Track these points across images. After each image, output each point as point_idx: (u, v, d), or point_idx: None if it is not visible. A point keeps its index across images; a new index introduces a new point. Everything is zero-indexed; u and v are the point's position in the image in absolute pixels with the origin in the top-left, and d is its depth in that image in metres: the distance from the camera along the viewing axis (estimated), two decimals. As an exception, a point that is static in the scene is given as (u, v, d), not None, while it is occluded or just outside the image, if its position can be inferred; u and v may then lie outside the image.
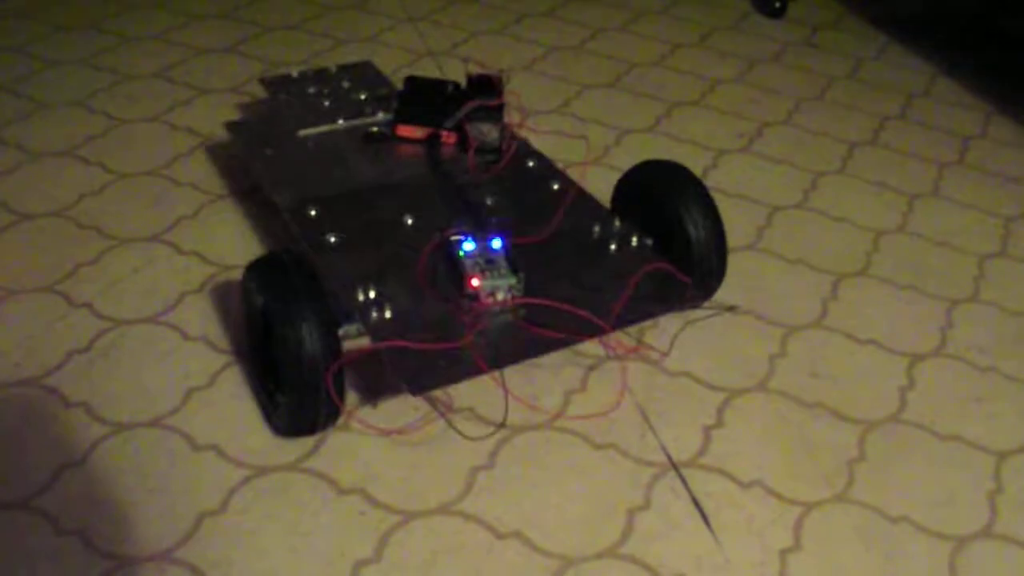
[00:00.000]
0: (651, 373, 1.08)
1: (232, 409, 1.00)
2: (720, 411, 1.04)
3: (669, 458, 0.98)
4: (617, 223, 1.08)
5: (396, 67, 1.71)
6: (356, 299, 0.95)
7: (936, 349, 1.15)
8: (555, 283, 0.99)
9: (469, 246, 0.98)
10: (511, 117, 1.27)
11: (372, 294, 0.95)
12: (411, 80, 1.32)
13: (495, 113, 1.21)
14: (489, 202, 1.12)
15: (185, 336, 1.09)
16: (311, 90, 1.36)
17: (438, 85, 1.30)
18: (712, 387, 1.07)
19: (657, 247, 1.06)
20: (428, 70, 1.71)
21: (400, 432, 0.99)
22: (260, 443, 0.96)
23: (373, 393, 1.04)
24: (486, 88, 1.25)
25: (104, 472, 0.92)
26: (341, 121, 1.27)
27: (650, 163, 1.14)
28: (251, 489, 0.92)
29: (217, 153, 1.43)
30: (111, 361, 1.05)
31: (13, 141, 1.43)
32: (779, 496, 0.95)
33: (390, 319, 0.93)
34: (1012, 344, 1.17)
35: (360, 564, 0.85)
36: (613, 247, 1.05)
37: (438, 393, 1.03)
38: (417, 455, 0.96)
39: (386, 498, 0.92)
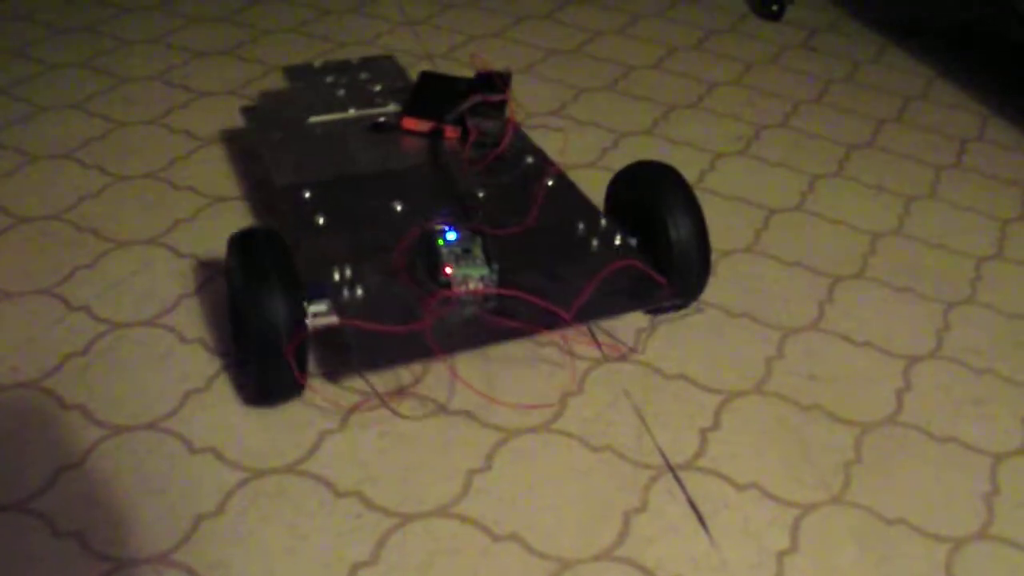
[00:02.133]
0: (648, 375, 1.08)
1: (230, 412, 1.00)
2: (717, 413, 1.04)
3: (666, 460, 0.98)
4: (604, 222, 1.10)
5: (394, 70, 1.71)
6: (332, 278, 0.99)
7: (933, 351, 1.16)
8: (531, 276, 1.02)
9: (451, 236, 1.02)
10: (515, 114, 1.28)
11: (348, 274, 0.99)
12: (425, 75, 1.33)
13: (497, 108, 1.22)
14: (481, 195, 1.14)
15: (183, 339, 1.09)
16: (329, 80, 1.40)
17: (450, 81, 1.31)
18: (709, 389, 1.07)
19: (643, 247, 1.07)
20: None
21: (355, 408, 1.00)
22: (258, 446, 0.97)
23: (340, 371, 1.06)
24: (492, 84, 1.26)
25: (102, 474, 0.93)
26: (352, 110, 1.30)
27: (639, 164, 1.15)
28: (249, 491, 0.92)
29: (215, 156, 1.43)
30: (109, 364, 1.05)
31: (11, 144, 1.44)
32: (776, 498, 0.95)
33: (361, 299, 0.97)
34: (1009, 346, 1.17)
35: (357, 567, 0.86)
36: (595, 243, 1.07)
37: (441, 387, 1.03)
38: (414, 457, 0.96)
39: (383, 500, 0.92)
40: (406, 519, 0.90)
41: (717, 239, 1.32)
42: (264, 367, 0.93)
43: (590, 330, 1.14)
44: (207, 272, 1.19)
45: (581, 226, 1.09)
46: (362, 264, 1.01)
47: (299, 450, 0.96)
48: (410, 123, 1.25)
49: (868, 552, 0.90)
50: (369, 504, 0.91)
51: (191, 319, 1.12)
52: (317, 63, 1.45)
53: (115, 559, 0.85)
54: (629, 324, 1.15)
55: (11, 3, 1.91)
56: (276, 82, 1.64)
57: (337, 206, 1.11)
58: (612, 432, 1.01)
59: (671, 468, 0.97)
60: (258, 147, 1.26)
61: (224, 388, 1.03)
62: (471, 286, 0.99)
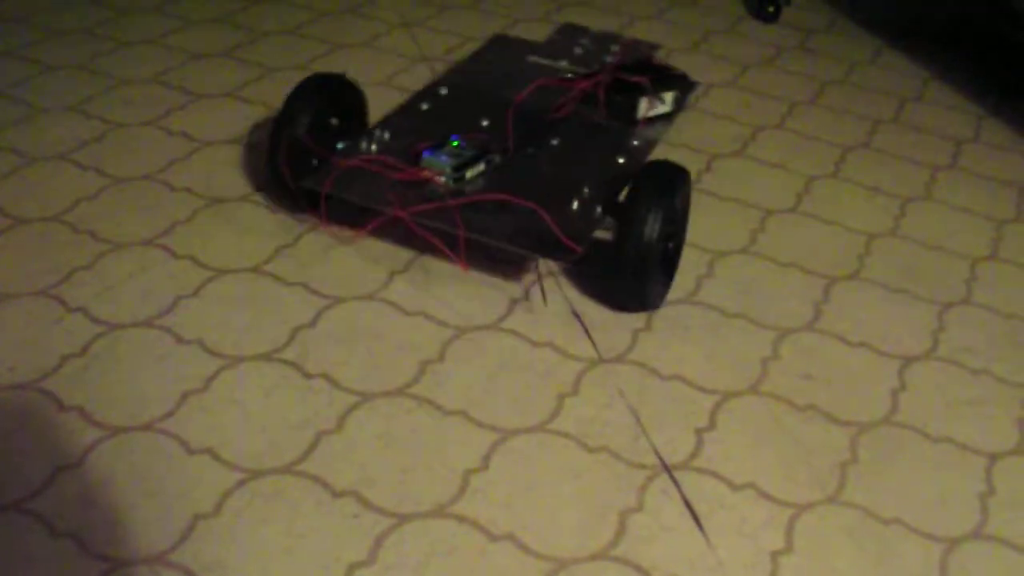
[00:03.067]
0: (643, 375, 1.09)
1: (227, 413, 1.01)
2: (712, 414, 1.05)
3: (661, 461, 0.98)
4: (586, 190, 1.21)
5: (392, 72, 1.72)
6: (372, 132, 1.30)
7: (928, 351, 1.16)
8: (492, 204, 1.19)
9: (454, 143, 1.25)
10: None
11: (386, 136, 1.30)
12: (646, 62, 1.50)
13: (636, 90, 1.38)
14: (553, 143, 1.32)
15: (180, 340, 1.09)
16: (584, 41, 1.65)
17: (650, 67, 1.46)
18: (704, 390, 1.08)
19: (619, 231, 1.13)
20: (422, 75, 1.71)
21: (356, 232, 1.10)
22: (254, 446, 0.97)
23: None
24: (665, 79, 1.42)
25: (99, 475, 0.93)
26: (564, 63, 1.56)
27: (662, 162, 1.17)
28: (245, 492, 0.92)
29: (213, 158, 1.44)
30: (106, 365, 1.06)
31: (9, 145, 1.44)
32: (771, 498, 0.95)
33: (373, 150, 1.27)
34: (1004, 346, 1.18)
35: (354, 567, 0.86)
36: (575, 205, 1.18)
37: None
38: (411, 458, 0.97)
39: (380, 501, 0.92)
40: (403, 519, 0.90)
41: (713, 240, 1.33)
42: (274, 147, 1.24)
43: (586, 330, 1.14)
44: (204, 273, 1.20)
45: (586, 190, 1.21)
46: (396, 137, 1.30)
47: (296, 451, 0.97)
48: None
49: (863, 552, 0.91)
50: (366, 504, 0.92)
51: (188, 320, 1.12)
52: (593, 30, 1.71)
53: (112, 559, 0.85)
54: (625, 325, 1.16)
55: (9, 5, 1.91)
56: (272, 84, 1.65)
57: (446, 106, 1.40)
58: (608, 432, 1.01)
59: (667, 468, 0.98)
60: (468, 61, 1.58)
61: (221, 389, 1.03)
62: (438, 179, 1.21)
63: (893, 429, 1.05)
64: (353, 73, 1.57)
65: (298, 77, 1.65)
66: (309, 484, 0.93)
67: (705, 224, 1.36)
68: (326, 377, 1.06)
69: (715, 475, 0.97)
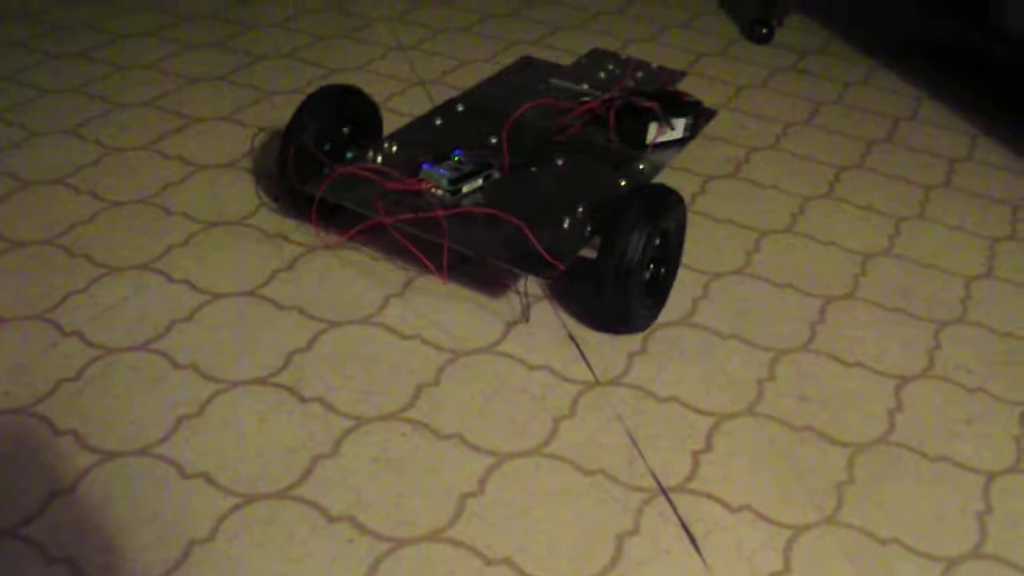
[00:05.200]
0: (639, 398, 1.09)
1: (222, 437, 1.00)
2: (709, 435, 1.04)
3: (658, 483, 0.98)
4: (581, 210, 1.22)
5: (387, 94, 1.72)
6: (381, 144, 1.33)
7: (924, 370, 1.16)
8: (487, 217, 1.20)
9: (455, 157, 1.26)
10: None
11: (394, 148, 1.32)
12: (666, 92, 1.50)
13: (646, 115, 1.38)
14: (559, 163, 1.33)
15: (175, 364, 1.09)
16: (610, 66, 1.66)
17: (665, 96, 1.45)
18: (700, 411, 1.08)
19: (601, 247, 1.13)
20: (418, 98, 1.72)
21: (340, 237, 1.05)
22: (250, 471, 0.96)
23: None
24: (675, 105, 1.42)
25: (94, 500, 0.92)
26: (585, 86, 1.57)
27: (657, 186, 1.17)
28: (240, 517, 0.92)
29: (209, 181, 1.44)
30: (101, 389, 1.05)
31: (5, 169, 1.44)
32: (768, 520, 0.95)
33: (379, 161, 1.29)
34: (1000, 364, 1.18)
35: (350, 591, 0.85)
36: (566, 224, 1.19)
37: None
38: (406, 482, 0.96)
39: (376, 525, 0.92)
40: (399, 544, 0.90)
41: (708, 262, 1.33)
42: (283, 153, 1.28)
43: (582, 353, 1.14)
44: (200, 297, 1.19)
45: (580, 209, 1.22)
46: (404, 149, 1.32)
47: (291, 475, 0.96)
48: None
49: (862, 572, 0.90)
50: (362, 529, 0.91)
51: (183, 344, 1.12)
52: (623, 55, 1.73)
53: (107, 585, 0.85)
54: (621, 348, 1.16)
55: (6, 29, 1.92)
56: (269, 108, 1.65)
57: (460, 121, 1.43)
58: (604, 455, 1.01)
59: (663, 491, 0.97)
60: (492, 78, 1.60)
61: (216, 413, 1.03)
62: (435, 191, 1.22)
63: (890, 449, 1.04)
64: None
65: (295, 100, 1.66)
66: (304, 509, 0.93)
67: (700, 245, 1.36)
68: (321, 401, 1.05)
69: (712, 497, 0.97)
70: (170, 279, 1.23)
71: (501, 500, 0.95)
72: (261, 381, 1.07)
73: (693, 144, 1.63)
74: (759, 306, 1.25)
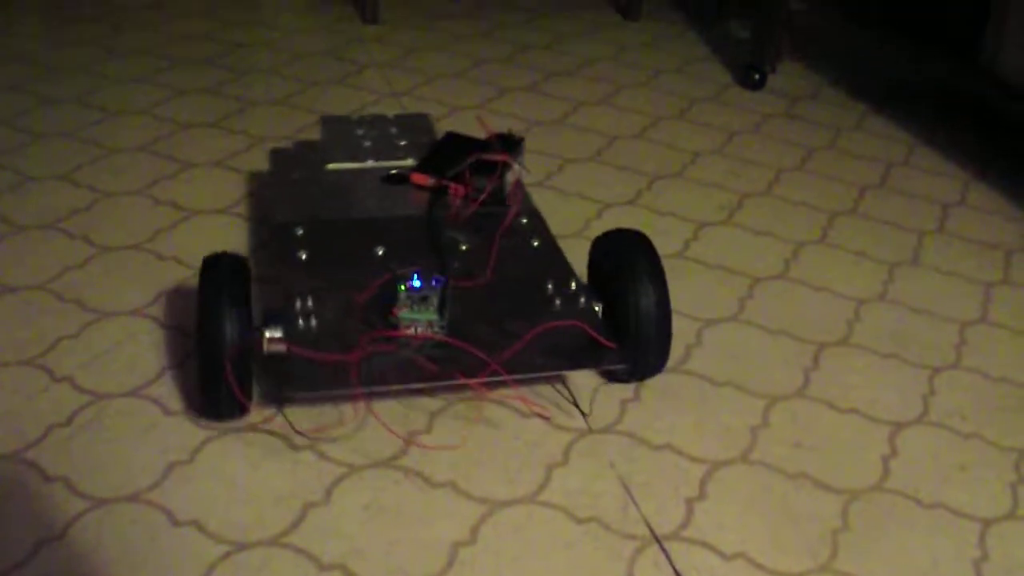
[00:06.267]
0: (633, 445, 1.08)
1: (213, 484, 1.00)
2: (703, 483, 1.04)
3: (651, 531, 0.97)
4: (574, 284, 1.13)
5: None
6: (293, 308, 1.06)
7: (919, 417, 1.16)
8: (483, 328, 1.07)
9: (415, 283, 1.05)
10: (522, 175, 1.32)
11: (309, 305, 1.06)
12: (448, 135, 1.39)
13: (496, 168, 1.26)
14: (464, 248, 1.19)
15: (166, 411, 1.09)
16: (359, 132, 1.45)
17: (468, 142, 1.35)
18: (694, 459, 1.07)
19: (609, 312, 1.10)
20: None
21: (318, 432, 1.02)
22: (241, 518, 0.96)
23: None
24: (507, 146, 1.30)
25: (83, 547, 0.91)
26: (371, 162, 1.37)
27: (613, 231, 1.18)
28: (231, 565, 0.91)
29: (200, 227, 1.44)
30: (92, 435, 1.05)
31: (-3, 215, 1.44)
32: (763, 568, 0.94)
33: (314, 331, 1.04)
34: (994, 410, 1.17)
35: (340, 642, 0.84)
36: (558, 303, 1.11)
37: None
38: (398, 530, 0.96)
39: (367, 573, 0.91)
40: (390, 592, 0.89)
41: (702, 308, 1.33)
42: (206, 384, 1.00)
43: (573, 398, 1.14)
44: (191, 344, 1.19)
45: (550, 286, 1.13)
46: (325, 299, 1.08)
47: (283, 523, 0.95)
48: (418, 178, 1.32)
49: (857, 622, 0.90)
50: (353, 577, 0.90)
51: (175, 391, 1.12)
52: (355, 116, 1.53)
53: (94, 636, 0.84)
54: (614, 395, 1.15)
55: (1, 73, 1.92)
56: (261, 154, 1.66)
57: (323, 245, 1.17)
58: (597, 503, 1.00)
59: (657, 539, 0.97)
60: (268, 185, 1.35)
61: (207, 460, 1.02)
62: (418, 330, 1.04)
63: (885, 496, 1.04)
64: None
65: (287, 145, 1.66)
66: (295, 557, 0.92)
67: (693, 292, 1.36)
68: (313, 449, 1.05)
69: (706, 545, 0.96)
70: (161, 325, 1.22)
71: (493, 549, 0.94)
72: (252, 428, 1.07)
73: (685, 190, 1.63)
74: (753, 353, 1.25)
